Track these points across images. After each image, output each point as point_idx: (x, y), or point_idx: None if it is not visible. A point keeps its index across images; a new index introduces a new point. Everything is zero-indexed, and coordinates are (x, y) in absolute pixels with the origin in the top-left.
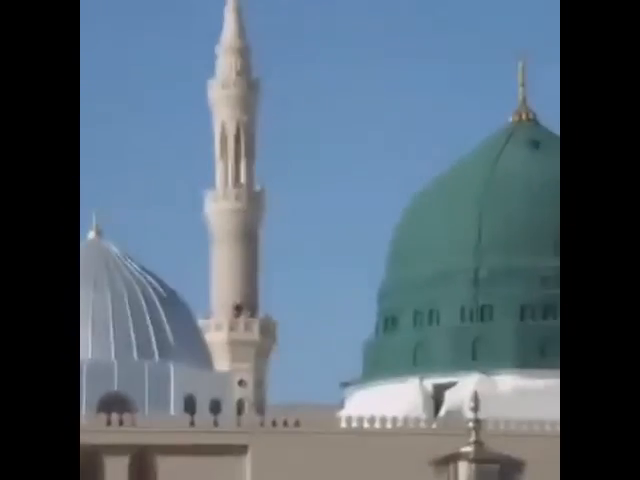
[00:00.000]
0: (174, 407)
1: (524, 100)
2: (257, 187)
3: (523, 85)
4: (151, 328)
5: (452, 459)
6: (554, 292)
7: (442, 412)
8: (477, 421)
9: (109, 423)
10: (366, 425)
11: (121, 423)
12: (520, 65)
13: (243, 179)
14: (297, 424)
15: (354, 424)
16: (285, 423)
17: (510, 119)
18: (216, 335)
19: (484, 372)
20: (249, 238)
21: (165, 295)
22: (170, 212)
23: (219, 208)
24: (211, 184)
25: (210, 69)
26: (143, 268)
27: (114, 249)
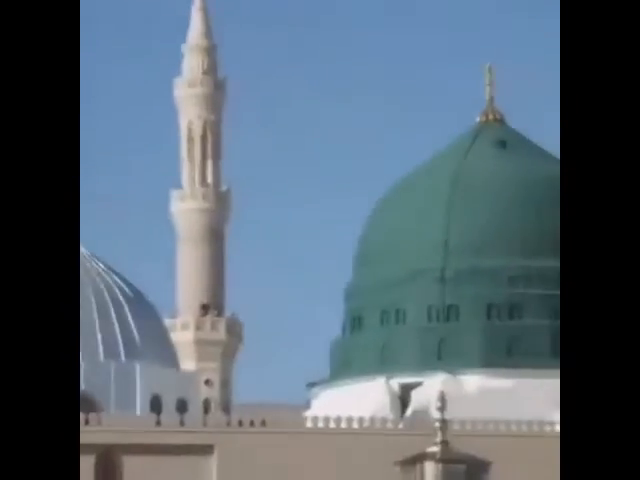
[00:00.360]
0: (140, 407)
1: (491, 100)
2: (224, 187)
3: (490, 85)
4: (117, 328)
5: (419, 459)
6: (520, 292)
7: (409, 412)
8: (443, 421)
9: None
10: (332, 425)
11: (87, 422)
12: (487, 65)
13: (210, 179)
14: (263, 424)
15: (320, 424)
16: (251, 423)
17: (477, 119)
18: (182, 334)
19: (450, 372)
20: (215, 238)
21: (131, 295)
22: (136, 211)
23: (186, 207)
24: (177, 183)
25: (177, 68)
26: (109, 268)
27: (81, 249)
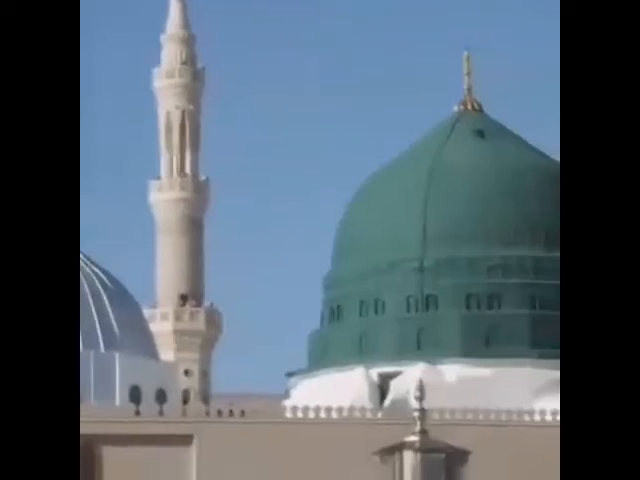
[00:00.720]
0: (119, 397)
1: (470, 90)
2: (202, 177)
3: (468, 75)
4: (96, 318)
5: (397, 448)
6: (499, 281)
7: (388, 401)
8: (422, 410)
9: None
10: (311, 414)
11: None
12: (465, 55)
13: (188, 169)
14: (242, 414)
15: (299, 414)
16: (230, 413)
17: (455, 109)
18: (162, 325)
19: (429, 361)
20: (194, 228)
21: (110, 285)
22: (115, 202)
23: (164, 198)
24: (156, 174)
25: (155, 58)
26: (88, 258)
27: None
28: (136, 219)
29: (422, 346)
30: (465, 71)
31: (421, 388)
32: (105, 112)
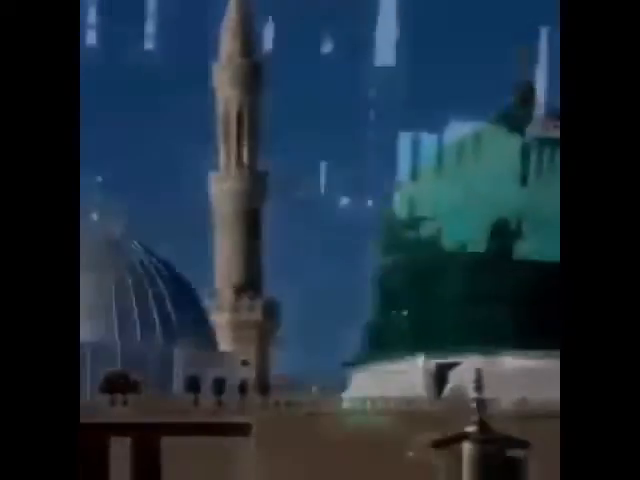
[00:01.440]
0: (178, 387)
1: (530, 82)
2: (261, 168)
3: (525, 66)
4: (155, 309)
5: (455, 439)
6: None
7: (445, 392)
8: (480, 401)
9: (113, 403)
10: (369, 405)
11: (125, 403)
12: (524, 48)
13: (247, 160)
14: (300, 404)
15: (356, 404)
16: (288, 403)
17: (512, 99)
18: (220, 316)
19: (488, 352)
20: (253, 219)
21: (169, 276)
22: (174, 193)
23: (223, 189)
24: (215, 165)
25: (214, 50)
26: (147, 249)
27: (117, 230)
28: (195, 210)
29: (481, 336)
30: (522, 63)
31: (479, 379)
32: (164, 102)
